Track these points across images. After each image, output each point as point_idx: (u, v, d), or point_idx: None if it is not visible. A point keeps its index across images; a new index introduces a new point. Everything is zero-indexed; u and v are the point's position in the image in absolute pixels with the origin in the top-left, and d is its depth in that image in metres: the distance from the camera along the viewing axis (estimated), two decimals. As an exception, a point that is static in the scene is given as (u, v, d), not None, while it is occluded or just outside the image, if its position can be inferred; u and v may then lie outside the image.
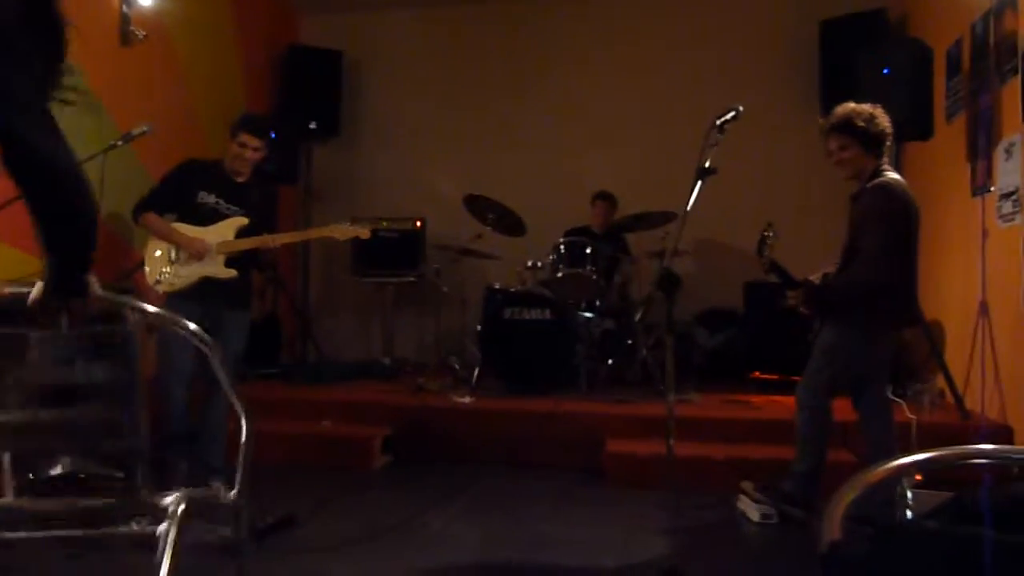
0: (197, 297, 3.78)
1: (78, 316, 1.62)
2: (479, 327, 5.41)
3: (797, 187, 6.28)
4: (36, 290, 1.61)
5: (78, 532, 1.72)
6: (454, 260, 5.85)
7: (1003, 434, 4.01)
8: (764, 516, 3.53)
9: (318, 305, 7.37)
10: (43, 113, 1.47)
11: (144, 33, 5.13)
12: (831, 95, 5.41)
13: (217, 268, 3.80)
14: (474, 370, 5.31)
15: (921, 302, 3.88)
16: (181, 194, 3.85)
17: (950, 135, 4.93)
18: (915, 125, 4.66)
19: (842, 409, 3.57)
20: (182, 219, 3.86)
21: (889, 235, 3.31)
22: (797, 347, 4.03)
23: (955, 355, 4.68)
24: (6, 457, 1.85)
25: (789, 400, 3.79)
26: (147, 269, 3.85)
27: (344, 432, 4.74)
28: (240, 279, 3.87)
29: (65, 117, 1.53)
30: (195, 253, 3.78)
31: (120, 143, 4.34)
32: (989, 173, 4.37)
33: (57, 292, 1.58)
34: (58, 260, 1.56)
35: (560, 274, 5.34)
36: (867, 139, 3.37)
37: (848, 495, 1.07)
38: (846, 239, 3.51)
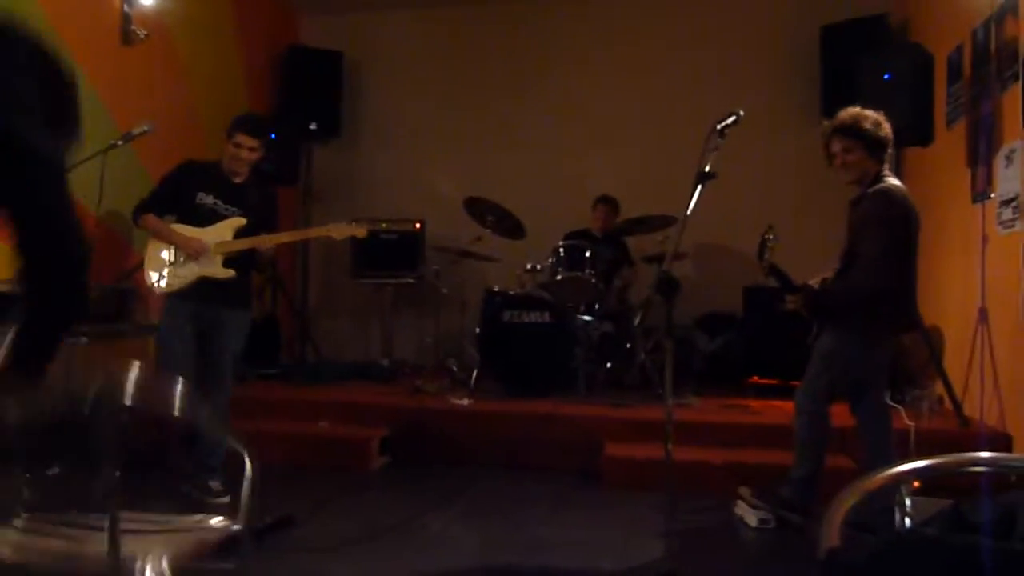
0: (195, 297, 3.79)
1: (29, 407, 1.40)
2: (478, 329, 5.41)
3: (797, 192, 6.28)
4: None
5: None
6: (453, 262, 5.85)
7: (1002, 441, 4.01)
8: (762, 521, 3.52)
9: (317, 306, 7.37)
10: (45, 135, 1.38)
11: (145, 32, 5.13)
12: (832, 100, 5.42)
13: (215, 268, 3.80)
14: (472, 372, 5.30)
15: (920, 308, 3.88)
16: (179, 195, 3.86)
17: (950, 141, 4.93)
18: (915, 131, 4.66)
19: (840, 415, 3.57)
20: (181, 220, 3.87)
21: (889, 241, 3.31)
22: (796, 352, 4.02)
23: (954, 361, 4.67)
24: None
25: (788, 405, 3.79)
26: (146, 270, 3.86)
27: (342, 433, 4.73)
28: (239, 279, 3.87)
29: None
30: (192, 253, 3.79)
31: (120, 143, 4.35)
32: (989, 179, 4.37)
33: (18, 365, 1.35)
34: (34, 318, 1.36)
35: (559, 277, 5.34)
36: (872, 143, 3.37)
37: (847, 502, 1.07)
38: (845, 244, 3.51)
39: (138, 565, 1.56)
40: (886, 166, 3.46)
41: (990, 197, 4.34)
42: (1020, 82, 3.97)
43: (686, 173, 3.32)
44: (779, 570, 3.25)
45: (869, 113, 3.41)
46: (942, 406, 4.64)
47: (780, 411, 4.66)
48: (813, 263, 3.79)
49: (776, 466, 3.77)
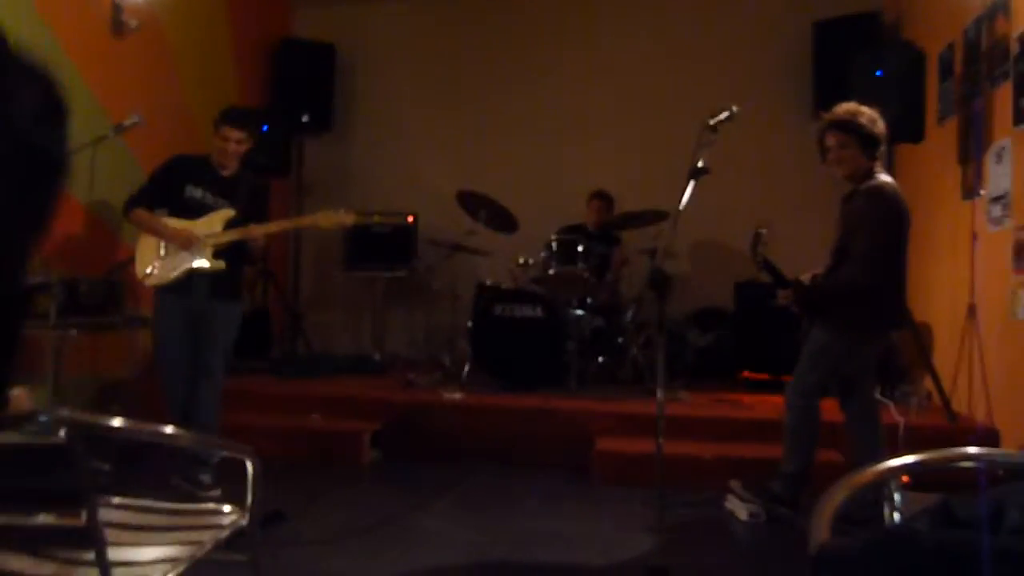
0: (186, 290, 3.80)
1: None
2: (470, 323, 5.41)
3: (789, 187, 6.29)
4: None
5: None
6: (446, 256, 5.84)
7: (990, 436, 4.04)
8: (752, 515, 3.54)
9: (309, 299, 7.35)
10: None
11: (136, 23, 5.09)
12: (824, 96, 5.43)
13: (205, 260, 3.80)
14: (464, 366, 5.30)
15: (910, 304, 3.91)
16: (169, 190, 3.87)
17: (941, 138, 4.96)
18: (907, 128, 4.67)
19: (830, 410, 3.59)
20: (172, 214, 3.88)
21: (880, 238, 3.32)
22: (787, 347, 4.04)
23: (943, 357, 4.70)
24: None
25: (778, 400, 3.81)
26: (138, 263, 3.87)
27: (333, 427, 4.73)
28: (229, 271, 3.87)
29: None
30: (181, 245, 3.79)
31: (111, 134, 4.32)
32: (980, 177, 4.39)
33: None
34: None
35: (551, 271, 5.34)
36: (866, 139, 3.39)
37: (837, 497, 1.07)
38: (836, 240, 3.53)
39: None
40: (879, 163, 3.48)
41: (980, 194, 4.37)
42: (1011, 80, 3.99)
43: (679, 168, 3.33)
44: (769, 564, 3.27)
45: (865, 109, 3.42)
46: (931, 402, 4.68)
47: (771, 405, 4.68)
48: (805, 259, 3.80)
49: (767, 460, 3.79)
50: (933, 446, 4.15)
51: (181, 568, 1.62)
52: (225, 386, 3.96)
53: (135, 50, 5.17)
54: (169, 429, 1.74)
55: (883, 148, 3.49)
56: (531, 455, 4.55)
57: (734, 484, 3.69)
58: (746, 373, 5.65)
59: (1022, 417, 3.87)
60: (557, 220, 6.04)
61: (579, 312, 5.45)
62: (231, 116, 3.88)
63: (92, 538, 1.43)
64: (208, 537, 1.79)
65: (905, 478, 2.33)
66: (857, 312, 3.38)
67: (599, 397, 4.97)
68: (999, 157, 4.15)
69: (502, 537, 3.37)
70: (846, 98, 3.61)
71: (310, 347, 6.52)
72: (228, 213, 3.85)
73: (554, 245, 5.40)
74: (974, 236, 4.40)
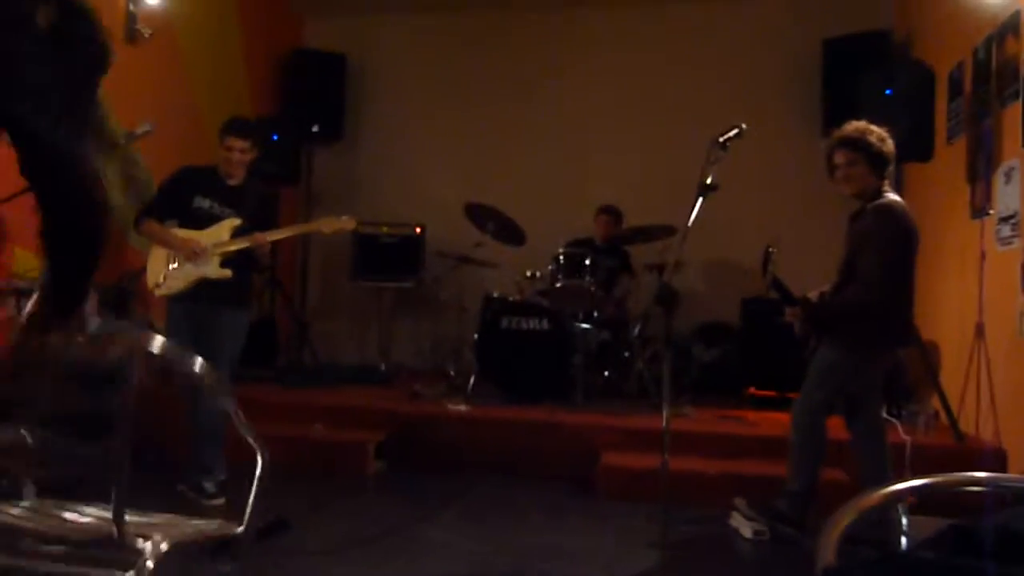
0: (194, 299, 3.85)
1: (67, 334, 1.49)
2: (476, 335, 5.41)
3: (797, 204, 6.29)
4: (32, 303, 1.52)
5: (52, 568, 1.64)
6: (453, 267, 5.85)
7: (997, 457, 4.02)
8: (756, 533, 3.52)
9: (315, 308, 7.36)
10: (70, 113, 1.42)
11: (150, 32, 5.14)
12: (833, 114, 5.44)
13: (212, 269, 3.85)
14: (470, 378, 5.30)
15: (918, 322, 3.89)
16: (177, 201, 3.93)
17: (950, 157, 4.95)
18: (916, 146, 4.67)
19: (836, 428, 3.58)
20: (182, 225, 3.93)
21: (889, 257, 3.32)
22: (793, 364, 4.03)
23: (951, 377, 4.68)
24: None
25: (784, 416, 3.79)
26: (148, 273, 3.94)
27: (338, 437, 4.73)
28: (237, 280, 3.91)
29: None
30: (187, 255, 3.84)
31: (123, 142, 4.35)
32: (988, 196, 4.38)
33: (55, 307, 1.46)
34: (60, 267, 1.47)
35: (558, 284, 5.34)
36: (875, 158, 3.39)
37: (844, 520, 1.07)
38: (843, 258, 3.52)
39: (140, 543, 1.59)
40: (887, 182, 3.48)
41: (989, 214, 4.36)
42: (1020, 100, 3.99)
43: (688, 184, 3.33)
44: (773, 583, 3.25)
45: (874, 128, 3.42)
46: (938, 421, 4.65)
47: (776, 422, 4.66)
48: (813, 276, 3.80)
49: (772, 478, 3.77)
50: (940, 466, 4.15)
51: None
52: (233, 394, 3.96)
53: (148, 58, 5.21)
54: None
55: (892, 167, 3.49)
56: (536, 468, 4.54)
57: (738, 502, 3.67)
58: (752, 389, 5.64)
59: (1030, 438, 3.85)
60: (565, 233, 6.05)
61: (585, 326, 5.45)
62: (234, 126, 3.94)
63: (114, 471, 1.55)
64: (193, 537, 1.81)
65: (911, 498, 2.32)
66: (864, 330, 3.37)
67: (604, 411, 4.96)
68: (1008, 177, 4.15)
69: (505, 550, 3.36)
70: (855, 116, 3.61)
71: (316, 356, 6.53)
72: (235, 222, 3.90)
73: (561, 258, 5.40)
74: (982, 255, 4.39)
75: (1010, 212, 4.10)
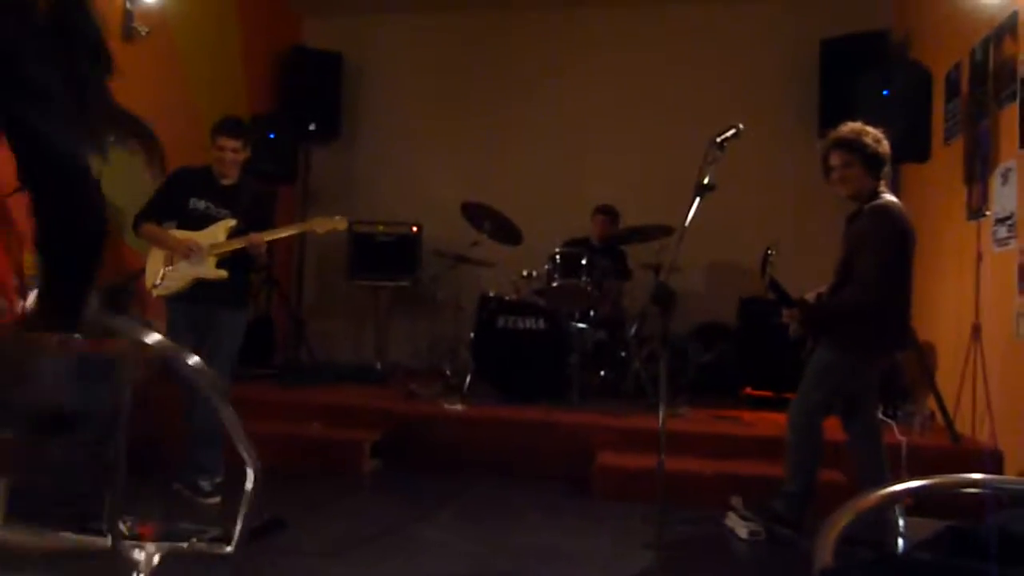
0: (192, 299, 3.88)
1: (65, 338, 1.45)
2: (472, 334, 5.41)
3: (794, 205, 6.30)
4: (30, 302, 1.50)
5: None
6: (450, 266, 5.85)
7: (993, 458, 4.02)
8: (752, 534, 3.52)
9: (312, 307, 7.36)
10: (74, 112, 1.40)
11: (147, 30, 5.12)
12: (830, 114, 5.44)
13: (208, 270, 3.88)
14: (466, 377, 5.30)
15: (914, 323, 3.89)
16: (174, 203, 3.96)
17: (947, 158, 4.96)
18: (913, 147, 4.68)
19: (833, 429, 3.58)
20: (180, 226, 3.96)
21: (886, 258, 3.32)
22: (790, 364, 4.03)
23: (947, 377, 4.69)
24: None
25: (780, 417, 3.79)
26: (147, 275, 3.97)
27: (334, 436, 4.72)
28: (233, 280, 3.92)
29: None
30: (183, 255, 3.87)
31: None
32: (985, 197, 4.39)
33: (52, 310, 1.42)
34: (57, 272, 1.43)
35: (555, 284, 5.34)
36: (871, 159, 3.39)
37: (841, 522, 1.07)
38: (840, 259, 3.52)
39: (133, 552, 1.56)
40: (883, 183, 3.48)
41: (986, 215, 4.36)
42: (1017, 101, 3.99)
43: (685, 184, 3.33)
44: (769, 583, 3.25)
45: (870, 129, 3.42)
46: (934, 422, 4.66)
47: (773, 423, 4.66)
48: (810, 276, 3.80)
49: (768, 478, 3.77)
50: (936, 467, 4.15)
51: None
52: (230, 394, 3.97)
53: (145, 57, 5.19)
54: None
55: (888, 168, 3.49)
56: (532, 468, 4.54)
57: (735, 501, 3.67)
58: (748, 390, 5.64)
59: (1025, 439, 3.85)
60: (562, 233, 6.05)
61: (582, 325, 5.45)
62: (225, 126, 3.97)
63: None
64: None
65: (907, 499, 2.32)
66: (861, 331, 3.37)
67: (601, 411, 4.95)
68: (1005, 178, 4.15)
69: (501, 550, 3.36)
70: (852, 116, 3.61)
71: (312, 355, 6.52)
72: (230, 223, 3.92)
73: (558, 258, 5.40)
74: (979, 257, 4.39)
75: (1007, 213, 4.10)
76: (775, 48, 6.63)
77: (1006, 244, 4.10)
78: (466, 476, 4.42)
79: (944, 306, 5.00)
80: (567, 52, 7.03)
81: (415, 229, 6.61)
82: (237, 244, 3.88)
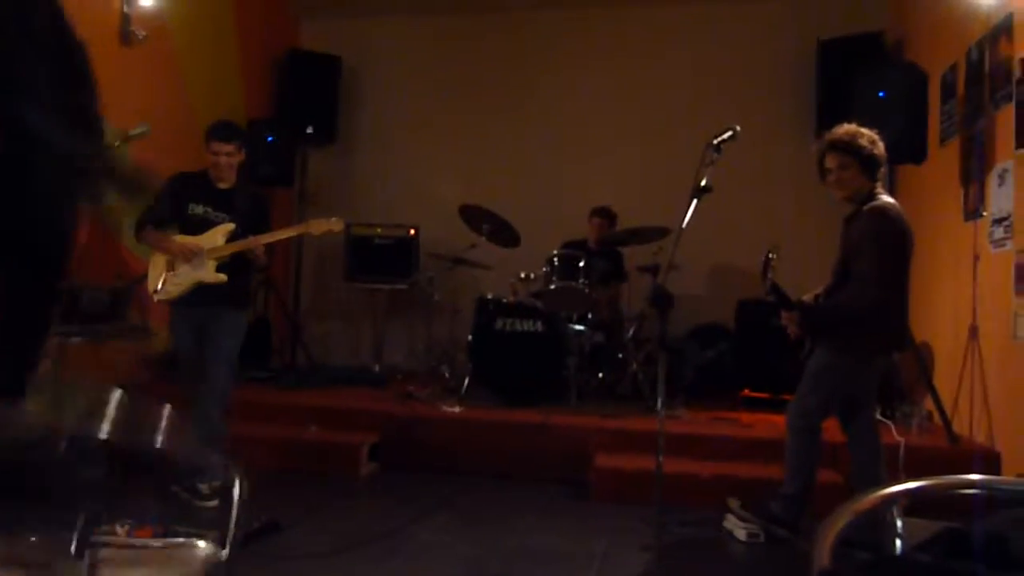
0: (193, 302, 3.91)
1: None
2: (470, 337, 5.41)
3: (791, 206, 6.30)
4: None
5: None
6: (447, 269, 5.85)
7: (991, 459, 4.03)
8: (750, 535, 3.52)
9: (309, 310, 7.35)
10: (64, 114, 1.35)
11: (144, 33, 5.12)
12: (826, 115, 5.45)
13: (208, 273, 3.90)
14: (464, 380, 5.30)
15: (911, 324, 3.90)
16: (172, 208, 3.98)
17: (943, 159, 4.96)
18: (909, 148, 4.69)
19: (831, 430, 3.58)
20: (180, 231, 3.99)
21: (885, 260, 3.32)
22: (788, 366, 4.03)
23: (944, 378, 4.69)
24: None
25: (778, 418, 3.80)
26: (149, 280, 4.00)
27: (331, 438, 4.71)
28: (234, 282, 3.95)
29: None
30: (183, 258, 3.90)
31: (117, 143, 4.33)
32: (982, 198, 4.40)
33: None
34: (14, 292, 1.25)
35: (552, 286, 5.34)
36: (867, 161, 3.39)
37: (839, 523, 1.07)
38: (838, 261, 3.53)
39: None
40: (880, 184, 3.48)
41: (982, 215, 4.37)
42: (1013, 102, 4.00)
43: (682, 187, 3.34)
44: (767, 585, 3.25)
45: (865, 131, 3.42)
46: (932, 422, 4.66)
47: (771, 425, 4.67)
48: (807, 277, 3.81)
49: (766, 480, 3.78)
50: (933, 467, 4.15)
51: None
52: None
53: (143, 60, 5.20)
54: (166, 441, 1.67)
55: (883, 169, 3.49)
56: (529, 470, 4.54)
57: (732, 503, 3.67)
58: (746, 391, 5.64)
59: (1023, 440, 3.85)
60: (559, 235, 6.05)
61: (580, 328, 5.45)
62: (216, 131, 3.98)
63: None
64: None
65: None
66: (860, 333, 3.37)
67: (598, 413, 4.95)
68: (1001, 179, 4.16)
69: (498, 552, 3.35)
70: (849, 117, 3.62)
71: (309, 358, 6.52)
72: (229, 227, 3.95)
73: (555, 260, 5.40)
74: (976, 257, 4.40)
75: (1003, 214, 4.11)
76: (772, 49, 6.63)
77: (1003, 245, 4.11)
78: (464, 478, 4.42)
79: (941, 307, 5.00)
80: (564, 55, 7.03)
81: (412, 231, 6.61)
82: (236, 248, 3.91)
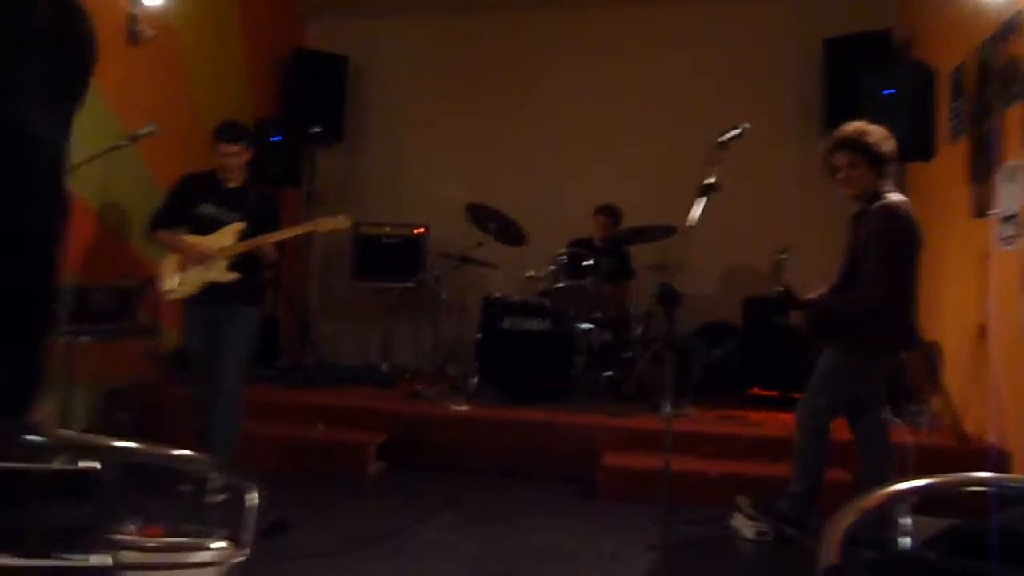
0: (205, 301, 3.96)
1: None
2: (478, 336, 5.41)
3: (798, 204, 6.28)
4: None
5: None
6: (454, 268, 5.85)
7: (1001, 458, 4.01)
8: (758, 534, 3.51)
9: (317, 309, 7.37)
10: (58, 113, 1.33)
11: (151, 33, 5.14)
12: (834, 113, 5.44)
13: (220, 273, 3.95)
14: (471, 379, 5.30)
15: (920, 323, 3.89)
16: (183, 209, 4.04)
17: (952, 157, 4.94)
18: (917, 145, 4.67)
19: (839, 429, 3.57)
20: (192, 232, 4.04)
21: (892, 259, 3.30)
22: (795, 364, 4.02)
23: (953, 377, 4.67)
24: None
25: (787, 417, 3.79)
26: (161, 279, 4.05)
27: (339, 437, 4.73)
28: (245, 280, 3.99)
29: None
30: (196, 259, 3.95)
31: (126, 143, 4.35)
32: (991, 196, 4.37)
33: None
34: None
35: (559, 285, 5.34)
36: (875, 159, 3.37)
37: (846, 520, 1.07)
38: (845, 259, 3.51)
39: None
40: (889, 182, 3.46)
41: (991, 213, 4.35)
42: (1022, 100, 3.97)
43: (690, 184, 3.33)
44: (775, 583, 3.24)
45: (874, 128, 3.40)
46: (940, 421, 4.64)
47: (779, 423, 4.66)
48: (813, 276, 3.79)
49: (775, 478, 3.77)
50: (942, 467, 4.14)
51: None
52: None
53: (150, 59, 5.21)
54: (178, 451, 1.60)
55: (892, 167, 3.47)
56: (537, 469, 4.54)
57: (740, 501, 3.67)
58: (754, 390, 5.63)
59: (1032, 439, 3.84)
60: (566, 234, 6.05)
61: (587, 326, 5.44)
62: (223, 132, 4.02)
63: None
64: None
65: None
66: (869, 332, 3.36)
67: (606, 412, 4.95)
68: (1011, 177, 4.13)
69: (505, 551, 3.36)
70: (857, 115, 3.60)
71: (318, 357, 6.53)
72: (239, 226, 3.99)
73: (562, 259, 5.40)
74: (985, 255, 4.37)
75: (1012, 212, 4.08)
76: (779, 48, 6.61)
77: (1012, 243, 4.09)
78: (470, 477, 4.42)
79: (950, 305, 4.98)
80: (571, 53, 7.03)
81: (420, 231, 6.62)
82: (247, 246, 3.95)
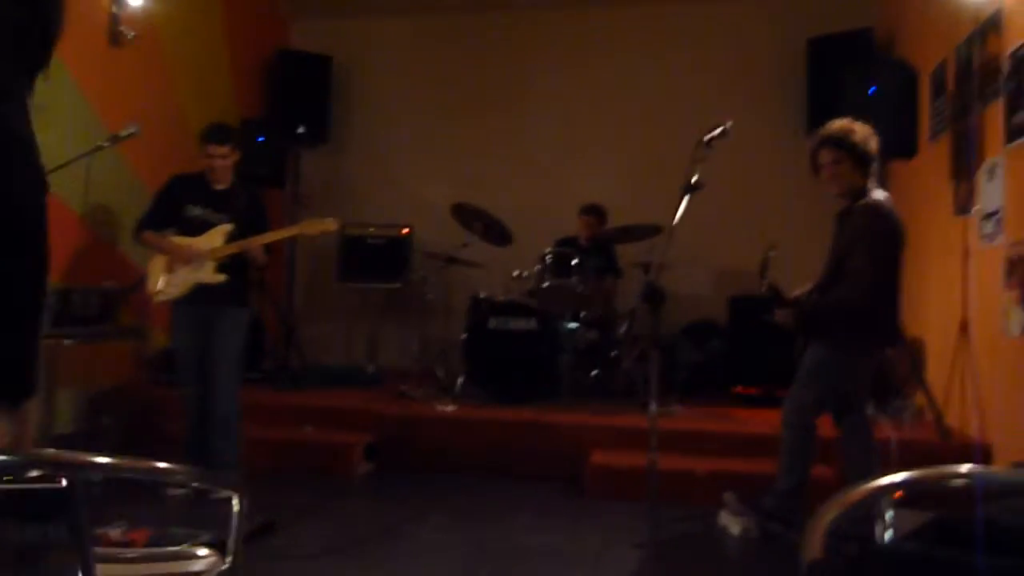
0: (193, 303, 3.95)
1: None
2: (464, 336, 5.41)
3: (782, 204, 6.32)
4: None
5: None
6: (440, 268, 5.84)
7: (982, 452, 4.05)
8: (745, 531, 3.53)
9: (303, 310, 7.34)
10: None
11: (134, 33, 5.11)
12: (817, 113, 5.47)
13: (208, 274, 3.94)
14: (458, 379, 5.30)
15: (903, 319, 3.92)
16: (171, 211, 4.03)
17: (934, 155, 4.99)
18: (899, 144, 4.71)
19: (824, 425, 3.59)
20: (179, 233, 4.03)
21: (877, 257, 3.33)
22: (780, 362, 4.04)
23: (936, 373, 4.72)
24: None
25: (771, 414, 3.81)
26: (149, 281, 4.04)
27: (326, 439, 4.72)
28: (233, 281, 3.98)
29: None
30: (183, 260, 3.94)
31: (107, 144, 4.32)
32: (972, 193, 4.42)
33: None
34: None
35: (545, 284, 5.35)
36: (860, 156, 3.40)
37: (829, 514, 1.08)
38: (830, 257, 3.53)
39: None
40: (873, 179, 3.49)
41: (972, 210, 4.39)
42: (1002, 98, 4.02)
43: (674, 183, 3.35)
44: (761, 579, 3.26)
45: (858, 126, 3.43)
46: (923, 417, 4.68)
47: (764, 420, 4.68)
48: (796, 274, 3.81)
49: (760, 475, 3.79)
50: (925, 461, 4.15)
51: None
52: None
53: (132, 60, 5.18)
54: (161, 464, 1.58)
55: (876, 164, 3.50)
56: (524, 468, 4.55)
57: (728, 498, 3.68)
58: (739, 387, 5.65)
59: (1014, 432, 3.87)
60: (552, 233, 6.05)
61: (573, 325, 5.45)
62: (210, 134, 4.02)
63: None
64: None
65: (897, 492, 2.33)
66: (854, 330, 3.38)
67: (592, 410, 4.96)
68: (991, 174, 4.18)
69: (493, 551, 3.36)
70: (839, 114, 3.62)
71: (303, 358, 6.50)
72: (227, 228, 3.98)
73: (548, 258, 5.40)
74: (966, 252, 4.42)
75: (993, 209, 4.13)
76: (762, 47, 6.65)
77: (993, 240, 4.13)
78: (458, 477, 4.43)
79: (932, 302, 5.02)
80: (554, 54, 7.04)
81: (405, 231, 6.61)
82: (235, 248, 3.94)
